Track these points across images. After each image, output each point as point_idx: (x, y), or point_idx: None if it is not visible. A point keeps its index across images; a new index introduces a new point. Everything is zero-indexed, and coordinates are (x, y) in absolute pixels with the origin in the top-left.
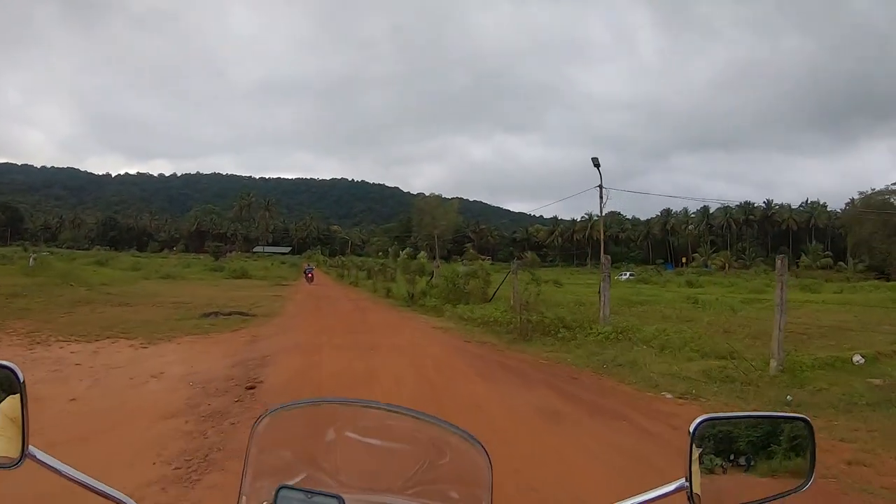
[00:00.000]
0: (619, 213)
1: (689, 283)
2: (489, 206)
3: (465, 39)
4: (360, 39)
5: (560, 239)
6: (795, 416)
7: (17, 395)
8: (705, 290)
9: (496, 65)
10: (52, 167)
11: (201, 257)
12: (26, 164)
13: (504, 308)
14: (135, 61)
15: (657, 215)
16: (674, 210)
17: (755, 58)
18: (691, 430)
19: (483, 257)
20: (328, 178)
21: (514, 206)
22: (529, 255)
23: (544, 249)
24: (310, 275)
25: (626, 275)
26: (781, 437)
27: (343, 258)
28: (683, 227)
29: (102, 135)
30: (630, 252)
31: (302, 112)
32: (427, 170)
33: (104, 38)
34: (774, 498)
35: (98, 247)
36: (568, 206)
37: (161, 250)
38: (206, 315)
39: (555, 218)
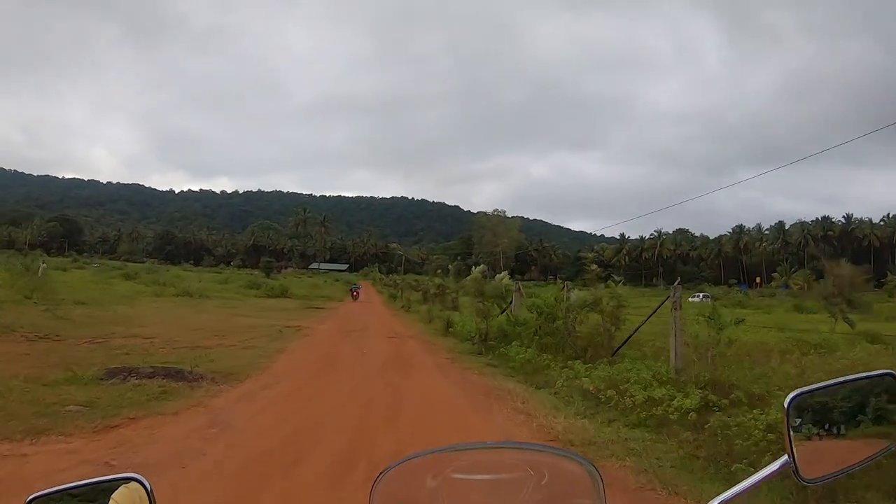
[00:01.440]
0: (687, 231)
1: (798, 308)
2: (549, 224)
3: (523, 53)
4: (416, 56)
5: (627, 258)
6: (881, 373)
7: (133, 489)
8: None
9: (554, 78)
10: (118, 183)
11: (255, 272)
12: (93, 180)
13: (664, 371)
14: (196, 80)
15: (728, 232)
16: (745, 227)
17: (820, 66)
18: (786, 405)
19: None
20: (388, 197)
21: (575, 225)
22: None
23: (609, 269)
24: (355, 293)
25: (699, 297)
26: (871, 400)
27: (397, 277)
28: (757, 244)
29: (166, 152)
30: (700, 272)
31: (360, 130)
32: (486, 188)
33: (166, 57)
34: (871, 460)
35: (154, 260)
36: (630, 224)
37: (217, 265)
38: (105, 377)
39: (622, 235)
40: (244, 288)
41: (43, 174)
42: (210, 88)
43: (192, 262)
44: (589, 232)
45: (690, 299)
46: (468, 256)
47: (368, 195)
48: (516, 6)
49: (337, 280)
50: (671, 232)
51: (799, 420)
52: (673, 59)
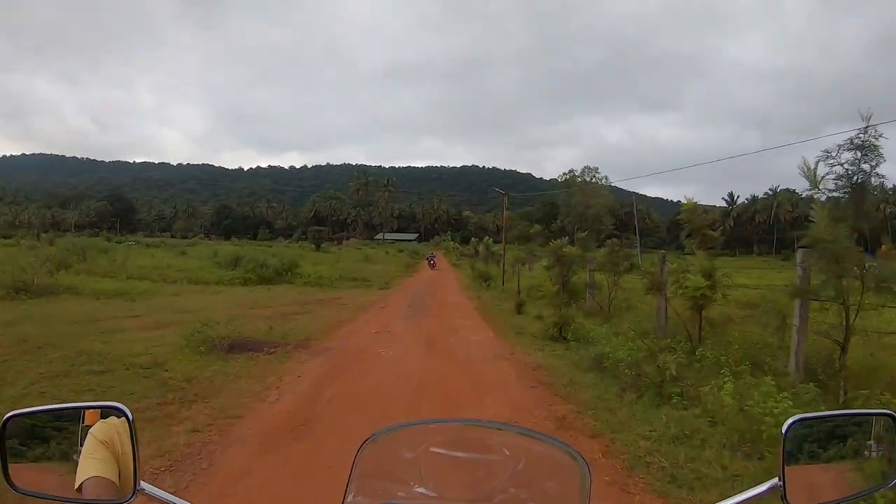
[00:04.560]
0: (794, 191)
1: None
2: (624, 190)
3: (598, 8)
4: (486, 14)
5: (733, 223)
6: (881, 412)
7: (112, 423)
8: None
9: (630, 35)
10: (188, 164)
11: (303, 245)
12: (163, 162)
13: None
14: (260, 53)
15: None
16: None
17: None
18: (783, 430)
19: None
20: (458, 166)
21: (650, 191)
22: None
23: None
24: (433, 261)
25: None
26: (869, 434)
27: (481, 243)
28: (883, 206)
29: (235, 129)
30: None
31: (430, 97)
32: (559, 154)
33: (227, 31)
34: (862, 494)
35: (213, 236)
36: (708, 190)
37: (275, 238)
38: None
39: (731, 195)
40: (217, 267)
41: (115, 160)
42: (276, 60)
43: (249, 236)
44: (665, 198)
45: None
46: (552, 221)
47: (439, 164)
48: None
49: (401, 251)
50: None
51: (793, 446)
52: (755, 14)
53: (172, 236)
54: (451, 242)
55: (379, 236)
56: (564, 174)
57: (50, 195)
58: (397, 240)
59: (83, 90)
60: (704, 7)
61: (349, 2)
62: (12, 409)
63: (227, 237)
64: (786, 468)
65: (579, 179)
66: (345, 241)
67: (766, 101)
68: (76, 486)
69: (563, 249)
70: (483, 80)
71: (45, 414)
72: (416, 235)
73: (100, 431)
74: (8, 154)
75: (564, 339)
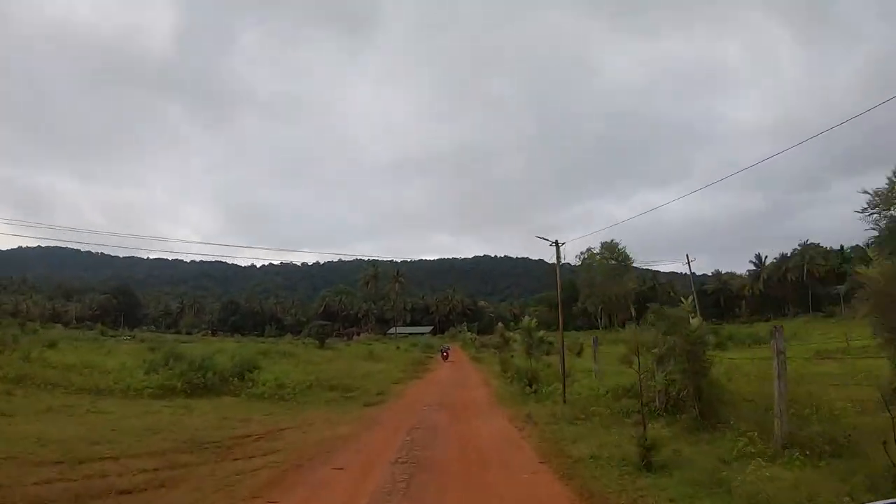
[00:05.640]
0: (818, 245)
1: None
2: (637, 268)
3: (598, 85)
4: (487, 101)
5: (763, 286)
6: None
7: None
8: None
9: (631, 108)
10: (201, 261)
11: (303, 342)
12: (177, 259)
13: None
14: (270, 152)
15: (864, 245)
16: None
17: None
18: None
19: None
20: (470, 257)
21: (665, 267)
22: None
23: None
24: (445, 353)
25: None
26: None
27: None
28: None
29: (245, 227)
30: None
31: (439, 188)
32: (571, 237)
33: (238, 132)
34: None
35: (219, 333)
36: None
37: (283, 335)
38: None
39: (758, 257)
40: (143, 369)
41: (129, 255)
42: (284, 159)
43: (256, 333)
44: (678, 272)
45: None
46: (572, 304)
47: (450, 256)
48: (588, 40)
49: (414, 345)
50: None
51: None
52: (751, 71)
53: (177, 332)
54: (469, 333)
55: (391, 330)
56: (582, 253)
57: (57, 287)
58: (411, 333)
59: (97, 187)
60: (700, 73)
61: (356, 97)
62: None
63: (234, 333)
64: None
65: (598, 258)
66: (355, 337)
67: (769, 159)
68: None
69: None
70: (489, 168)
71: None
72: (430, 328)
73: None
74: (24, 245)
75: None
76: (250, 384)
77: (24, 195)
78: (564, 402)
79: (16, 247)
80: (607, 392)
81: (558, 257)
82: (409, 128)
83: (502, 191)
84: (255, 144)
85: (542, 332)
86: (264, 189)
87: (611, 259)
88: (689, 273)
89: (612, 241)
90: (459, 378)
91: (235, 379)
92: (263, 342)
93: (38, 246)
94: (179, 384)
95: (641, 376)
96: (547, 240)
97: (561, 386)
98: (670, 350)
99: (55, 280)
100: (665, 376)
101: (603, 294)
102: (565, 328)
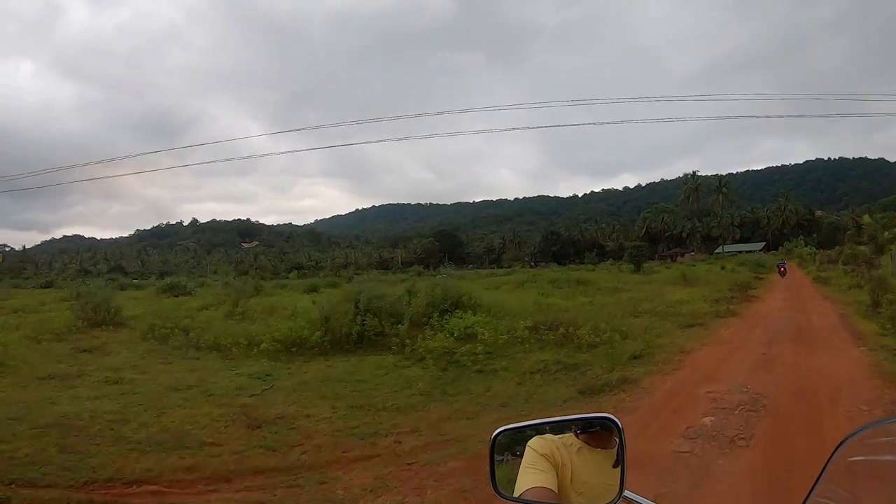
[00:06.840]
0: None
1: None
2: None
3: None
4: None
5: None
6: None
7: (549, 439)
8: None
9: None
10: (524, 197)
11: (621, 266)
12: (501, 199)
13: None
14: (568, 81)
15: None
16: None
17: None
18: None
19: None
20: (801, 162)
21: None
22: None
23: None
24: (782, 269)
25: None
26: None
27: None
28: None
29: (564, 160)
30: None
31: (756, 91)
32: None
33: (532, 68)
34: None
35: (541, 263)
36: None
37: (604, 261)
38: None
39: None
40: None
41: (455, 202)
42: (586, 84)
43: (578, 261)
44: None
45: None
46: None
47: (779, 164)
48: None
49: (742, 264)
50: None
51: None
52: None
53: (500, 266)
54: (807, 248)
55: (718, 249)
56: None
57: (385, 238)
58: (740, 251)
59: (420, 147)
60: None
61: (653, 7)
62: None
63: (558, 262)
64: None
65: None
66: (678, 258)
67: None
68: (517, 495)
69: None
70: (810, 54)
71: (531, 428)
72: (762, 244)
73: (539, 445)
74: (360, 207)
75: None
76: (448, 323)
77: (357, 166)
78: None
79: (353, 209)
80: None
81: None
82: (712, 32)
83: (824, 83)
84: (553, 77)
85: None
86: (574, 120)
87: None
88: None
89: None
90: (802, 320)
91: (441, 315)
92: (576, 269)
93: (373, 206)
94: (327, 340)
95: None
96: None
97: None
98: None
99: (391, 234)
100: None
101: None
102: None
